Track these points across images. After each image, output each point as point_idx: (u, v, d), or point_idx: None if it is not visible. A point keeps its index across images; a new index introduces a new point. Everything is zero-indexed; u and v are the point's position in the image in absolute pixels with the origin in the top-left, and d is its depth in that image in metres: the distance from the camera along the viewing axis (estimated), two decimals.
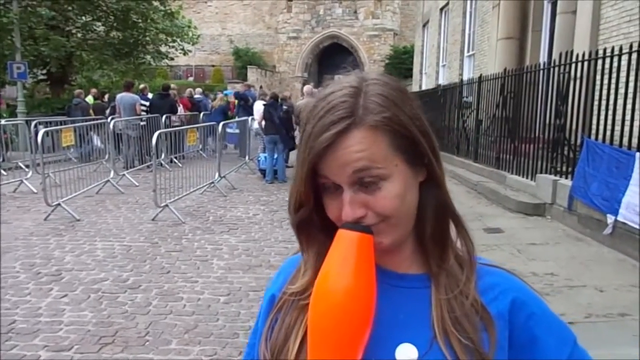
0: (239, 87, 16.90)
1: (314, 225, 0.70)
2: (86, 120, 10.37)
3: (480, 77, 9.16)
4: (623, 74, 5.05)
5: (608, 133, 5.04)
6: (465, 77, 11.80)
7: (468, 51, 12.60)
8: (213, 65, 31.85)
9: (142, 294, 3.89)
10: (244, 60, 31.32)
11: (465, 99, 10.05)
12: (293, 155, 9.75)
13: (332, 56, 31.90)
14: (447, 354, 0.64)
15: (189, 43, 19.36)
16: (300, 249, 0.74)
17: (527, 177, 6.45)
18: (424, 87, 16.43)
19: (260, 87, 21.62)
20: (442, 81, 14.07)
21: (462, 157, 9.39)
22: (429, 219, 0.69)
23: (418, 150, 0.65)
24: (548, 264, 4.27)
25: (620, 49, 5.06)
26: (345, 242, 0.63)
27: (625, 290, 3.66)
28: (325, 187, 0.65)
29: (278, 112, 9.25)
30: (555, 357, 0.69)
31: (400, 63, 26.44)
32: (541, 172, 6.09)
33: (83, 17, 16.79)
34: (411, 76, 20.36)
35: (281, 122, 9.21)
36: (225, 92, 14.70)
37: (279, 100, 9.77)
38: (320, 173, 0.64)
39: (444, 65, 14.76)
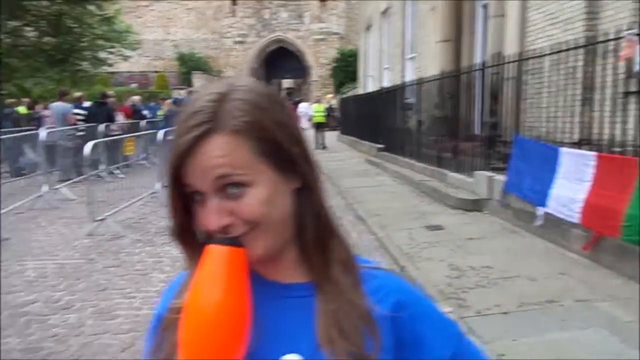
0: (183, 94, 16.54)
1: (194, 236, 0.69)
2: (16, 132, 9.80)
3: (420, 79, 9.42)
4: (548, 73, 5.35)
5: (537, 129, 5.32)
6: (407, 79, 12.09)
7: (409, 54, 12.92)
8: (157, 71, 30.99)
9: (75, 314, 3.69)
10: (189, 65, 30.68)
11: (407, 100, 10.31)
12: None
13: (278, 60, 31.87)
14: None
15: (128, 49, 18.78)
16: (186, 261, 0.72)
17: (465, 175, 6.67)
18: (369, 90, 16.70)
19: None
20: (386, 83, 14.34)
21: (407, 157, 9.60)
22: (308, 226, 0.69)
23: (286, 157, 0.65)
24: (485, 257, 4.43)
25: (545, 50, 5.35)
26: (213, 257, 0.62)
27: (553, 278, 3.86)
28: (194, 196, 0.64)
29: None
30: (440, 353, 0.71)
31: (347, 66, 26.77)
32: (478, 169, 6.32)
33: (12, 22, 15.88)
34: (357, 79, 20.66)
35: None
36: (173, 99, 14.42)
37: None
38: (184, 181, 0.63)
39: (387, 68, 15.06)
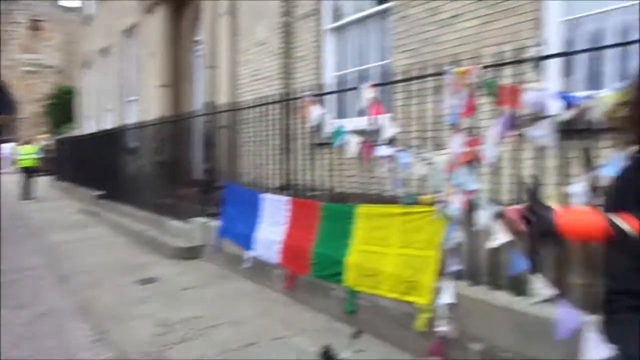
0: None
1: None
2: None
3: (140, 122, 9.05)
4: (255, 123, 5.80)
5: (249, 176, 5.65)
6: (130, 122, 11.50)
7: (131, 96, 12.39)
8: None
9: None
10: None
11: (130, 144, 9.74)
12: None
13: None
14: None
15: None
16: None
17: (183, 222, 6.57)
18: (89, 131, 15.25)
19: None
20: (109, 125, 13.34)
21: (129, 205, 8.96)
22: None
23: None
24: (197, 307, 4.33)
25: (250, 102, 5.79)
26: None
27: (257, 319, 4.02)
28: None
29: None
30: None
31: (65, 103, 24.02)
32: (195, 216, 6.31)
33: None
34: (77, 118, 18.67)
35: None
36: None
37: None
38: None
39: (109, 109, 14.08)
